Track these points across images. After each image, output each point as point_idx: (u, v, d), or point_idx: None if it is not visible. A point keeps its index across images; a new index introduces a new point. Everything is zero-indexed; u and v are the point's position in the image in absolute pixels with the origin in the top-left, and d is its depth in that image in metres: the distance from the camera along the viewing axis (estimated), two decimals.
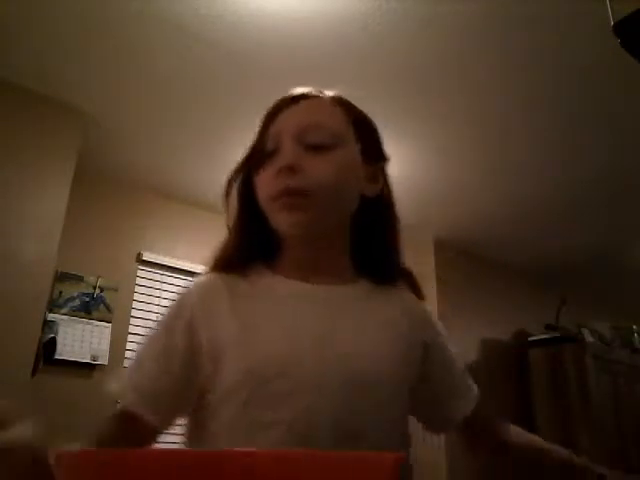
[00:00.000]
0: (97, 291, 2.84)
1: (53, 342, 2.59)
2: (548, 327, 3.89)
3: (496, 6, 1.92)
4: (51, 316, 2.64)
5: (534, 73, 2.24)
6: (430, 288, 3.64)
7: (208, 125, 2.62)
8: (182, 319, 0.71)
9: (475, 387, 0.84)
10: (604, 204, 3.28)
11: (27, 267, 2.19)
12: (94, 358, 2.71)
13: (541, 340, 3.86)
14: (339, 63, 2.18)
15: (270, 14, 1.96)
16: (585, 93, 2.36)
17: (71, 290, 2.76)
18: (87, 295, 2.81)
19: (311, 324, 0.70)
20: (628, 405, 3.67)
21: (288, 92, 0.79)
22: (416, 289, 0.83)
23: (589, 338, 3.82)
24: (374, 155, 0.80)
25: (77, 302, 2.76)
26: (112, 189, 3.08)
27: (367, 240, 0.80)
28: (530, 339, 3.92)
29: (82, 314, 2.76)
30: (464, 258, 3.90)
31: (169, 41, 2.10)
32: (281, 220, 0.72)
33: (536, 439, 0.87)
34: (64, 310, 2.71)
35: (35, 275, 2.22)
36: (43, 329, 2.48)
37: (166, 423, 0.71)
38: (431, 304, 3.53)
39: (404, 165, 2.86)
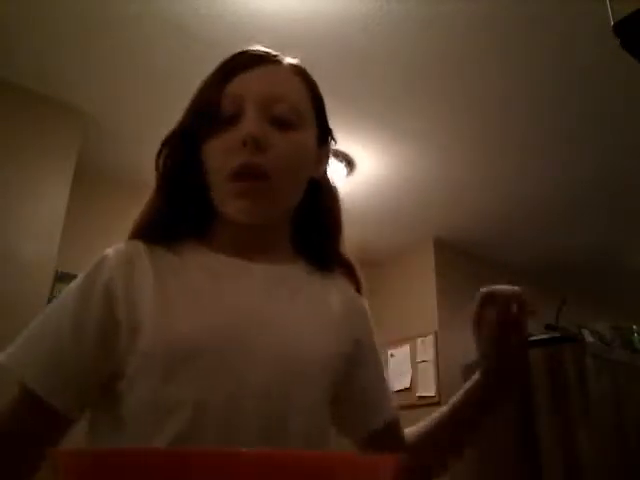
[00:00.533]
0: None
1: None
2: (548, 327, 3.88)
3: (496, 7, 1.93)
4: None
5: (534, 73, 2.24)
6: (430, 288, 3.64)
7: None
8: (99, 283, 0.62)
9: (394, 400, 0.77)
10: (604, 204, 3.28)
11: (27, 267, 2.19)
12: None
13: (541, 340, 3.85)
14: (339, 64, 2.18)
15: (270, 14, 1.96)
16: (585, 93, 2.36)
17: None
18: None
19: (245, 301, 0.66)
20: (628, 405, 3.67)
21: (244, 48, 0.73)
22: (357, 282, 0.78)
23: (589, 338, 3.81)
24: (325, 136, 0.76)
25: None
26: (112, 189, 3.08)
27: (308, 222, 0.76)
28: (530, 339, 3.91)
29: None
30: (464, 258, 3.90)
31: (169, 41, 2.10)
32: (231, 204, 0.66)
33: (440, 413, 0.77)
34: None
35: (35, 275, 2.21)
36: None
37: (75, 409, 0.60)
38: (431, 304, 3.58)
39: (404, 165, 2.85)
